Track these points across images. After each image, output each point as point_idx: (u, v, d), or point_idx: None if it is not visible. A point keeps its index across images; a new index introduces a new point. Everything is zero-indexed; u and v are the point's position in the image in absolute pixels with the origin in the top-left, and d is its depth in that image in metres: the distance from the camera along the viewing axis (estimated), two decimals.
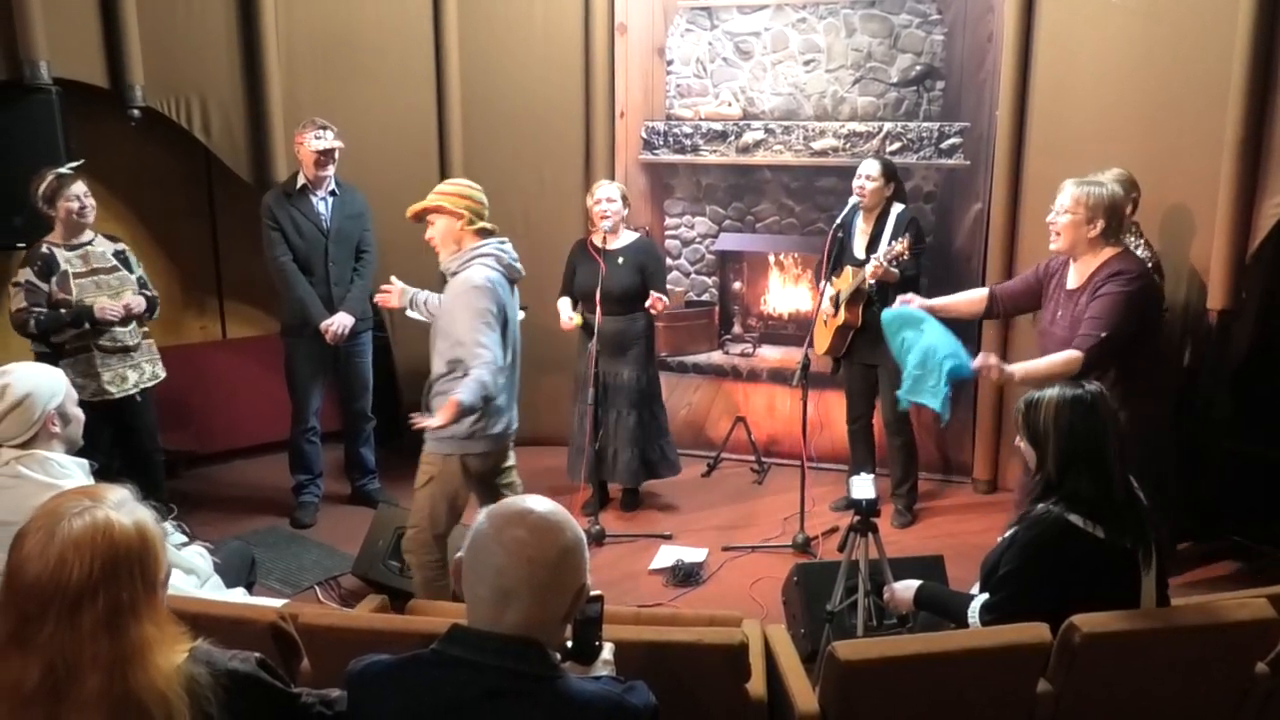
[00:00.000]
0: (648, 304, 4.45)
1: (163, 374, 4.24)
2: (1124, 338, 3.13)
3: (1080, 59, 4.43)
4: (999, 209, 4.74)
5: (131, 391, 4.06)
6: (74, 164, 3.95)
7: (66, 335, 3.91)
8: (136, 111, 4.49)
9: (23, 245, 4.35)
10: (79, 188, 3.89)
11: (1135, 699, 2.32)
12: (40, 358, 3.80)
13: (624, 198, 4.57)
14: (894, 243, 4.12)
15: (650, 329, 4.71)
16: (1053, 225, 3.31)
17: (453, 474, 3.35)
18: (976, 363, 3.21)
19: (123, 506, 1.47)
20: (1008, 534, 2.44)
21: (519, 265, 3.41)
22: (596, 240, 4.50)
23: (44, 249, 3.90)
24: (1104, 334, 3.11)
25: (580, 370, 4.68)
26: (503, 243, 3.38)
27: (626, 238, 4.61)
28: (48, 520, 1.43)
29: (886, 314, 3.49)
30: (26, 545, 1.41)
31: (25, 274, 3.88)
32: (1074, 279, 3.31)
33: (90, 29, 4.35)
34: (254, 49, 4.69)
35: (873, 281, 4.24)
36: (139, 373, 4.10)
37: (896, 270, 4.18)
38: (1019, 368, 3.24)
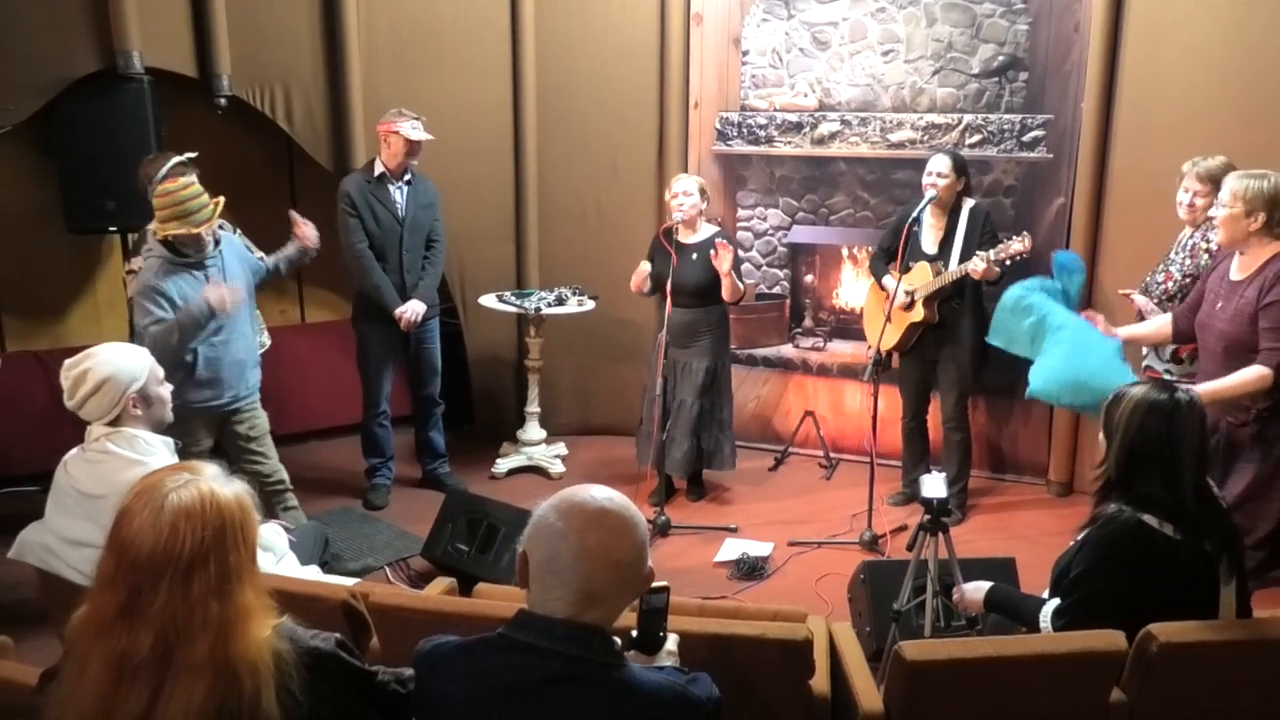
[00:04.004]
0: (713, 254, 4.36)
1: (268, 341, 4.37)
2: None
3: (1171, 49, 4.28)
4: (1082, 203, 4.62)
5: None
6: (189, 155, 4.06)
7: None
8: (223, 100, 4.63)
9: (114, 229, 4.52)
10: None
11: (1213, 713, 2.25)
12: None
13: (702, 191, 4.54)
14: (1013, 240, 4.04)
15: (725, 321, 4.67)
16: (1211, 219, 3.27)
17: None
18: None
19: (219, 479, 1.52)
20: (1080, 536, 2.39)
21: None
22: (672, 231, 4.50)
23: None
24: None
25: (653, 359, 4.69)
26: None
27: (705, 231, 4.58)
28: (152, 495, 1.46)
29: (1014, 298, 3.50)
30: (136, 521, 1.44)
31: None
32: (1238, 270, 3.20)
33: (180, 20, 4.49)
34: (336, 38, 4.79)
35: (960, 276, 4.18)
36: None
37: (999, 270, 4.11)
38: (1204, 388, 2.99)
